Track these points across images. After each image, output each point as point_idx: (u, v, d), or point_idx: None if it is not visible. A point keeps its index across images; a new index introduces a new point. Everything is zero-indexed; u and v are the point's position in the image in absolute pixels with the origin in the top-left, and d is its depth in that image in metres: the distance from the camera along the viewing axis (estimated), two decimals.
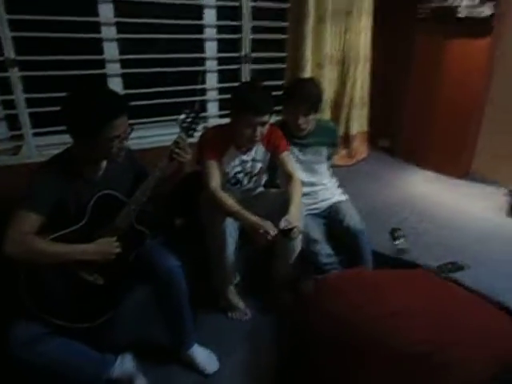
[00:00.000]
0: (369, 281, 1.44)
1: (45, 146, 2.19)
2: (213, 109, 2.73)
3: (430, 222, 2.22)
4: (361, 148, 3.15)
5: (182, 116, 1.54)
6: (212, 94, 2.70)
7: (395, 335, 1.19)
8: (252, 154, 1.82)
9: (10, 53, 1.96)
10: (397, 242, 1.98)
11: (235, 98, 1.71)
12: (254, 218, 1.52)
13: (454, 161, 2.95)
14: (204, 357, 1.57)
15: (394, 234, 2.06)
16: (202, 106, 2.66)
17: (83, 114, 1.27)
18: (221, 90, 2.71)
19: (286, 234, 1.51)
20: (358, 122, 3.09)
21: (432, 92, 3.01)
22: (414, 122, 3.17)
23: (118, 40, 2.26)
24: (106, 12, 2.20)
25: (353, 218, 1.90)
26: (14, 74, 1.99)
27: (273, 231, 1.48)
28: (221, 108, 2.75)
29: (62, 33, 2.06)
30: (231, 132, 1.74)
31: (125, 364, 1.47)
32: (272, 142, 1.81)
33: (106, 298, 1.43)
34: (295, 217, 1.56)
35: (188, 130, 1.54)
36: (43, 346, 1.27)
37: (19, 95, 2.03)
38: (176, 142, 1.49)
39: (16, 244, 1.20)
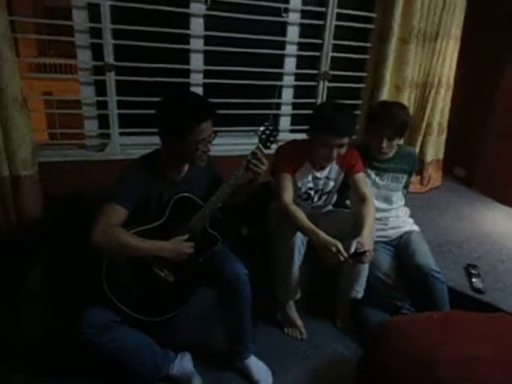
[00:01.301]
0: (441, 322, 1.34)
1: (128, 145, 2.33)
2: (285, 123, 2.75)
3: None
4: (434, 176, 3.00)
5: (262, 128, 1.58)
6: (286, 109, 2.73)
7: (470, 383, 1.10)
8: (326, 171, 1.80)
9: (109, 58, 2.13)
10: (473, 280, 1.83)
11: (317, 116, 1.71)
12: (327, 237, 1.50)
13: None
14: (259, 369, 1.56)
15: (469, 270, 1.90)
16: (276, 119, 2.70)
17: (173, 117, 1.35)
18: (294, 106, 2.73)
19: (358, 256, 1.47)
20: (434, 148, 2.95)
21: None
22: (497, 154, 2.95)
23: (204, 52, 2.38)
24: (197, 25, 2.32)
25: (424, 254, 1.78)
26: (111, 78, 2.16)
27: (345, 252, 1.45)
28: (292, 123, 2.77)
29: (156, 42, 2.21)
30: (308, 148, 1.74)
31: (184, 362, 1.51)
32: (347, 162, 1.78)
33: (174, 296, 1.48)
34: (368, 240, 1.52)
35: (266, 141, 1.57)
36: (113, 333, 1.34)
37: (113, 97, 2.20)
38: (254, 153, 1.53)
39: (104, 234, 1.29)
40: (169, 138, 1.40)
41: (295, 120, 2.75)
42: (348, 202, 2.00)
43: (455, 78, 2.83)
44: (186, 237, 1.45)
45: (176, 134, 1.36)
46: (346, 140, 1.63)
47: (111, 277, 1.36)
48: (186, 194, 1.48)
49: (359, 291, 1.78)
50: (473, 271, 1.89)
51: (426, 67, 2.75)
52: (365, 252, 1.46)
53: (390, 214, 1.95)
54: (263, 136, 1.57)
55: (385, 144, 1.78)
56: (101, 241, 1.29)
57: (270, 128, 1.59)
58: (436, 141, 2.94)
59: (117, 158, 2.27)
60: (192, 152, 1.39)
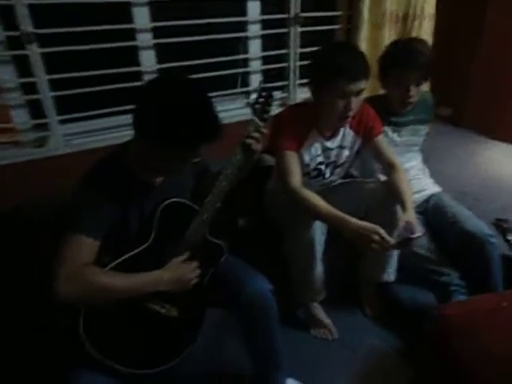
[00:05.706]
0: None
1: (73, 134, 1.89)
2: (256, 81, 2.36)
3: None
4: None
5: (254, 97, 1.23)
6: (255, 65, 2.33)
7: None
8: (338, 139, 1.47)
9: (26, 25, 1.60)
10: (509, 238, 1.63)
11: (320, 64, 1.34)
12: (361, 222, 1.19)
13: None
14: None
15: (501, 225, 1.69)
16: (245, 78, 2.31)
17: (170, 129, 0.95)
18: (264, 60, 2.34)
19: (406, 243, 1.18)
20: None
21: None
22: (486, 89, 2.73)
23: (150, 4, 1.89)
24: None
25: (471, 218, 1.54)
26: (34, 51, 1.65)
27: (390, 238, 1.16)
28: (265, 81, 2.39)
29: None
30: (313, 112, 1.39)
31: None
32: (364, 124, 1.45)
33: (181, 333, 1.14)
34: (414, 219, 1.23)
35: (262, 112, 1.21)
36: None
37: (42, 77, 1.69)
38: (249, 130, 1.17)
39: (71, 282, 0.91)
40: (148, 141, 1.00)
41: (267, 76, 2.37)
42: (354, 171, 1.70)
43: (436, 6, 2.52)
44: (186, 256, 1.10)
45: (162, 145, 0.98)
46: (363, 84, 1.31)
47: (93, 329, 0.98)
48: (174, 200, 1.12)
49: (391, 273, 1.53)
50: (505, 225, 1.69)
51: None
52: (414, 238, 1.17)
53: (410, 175, 1.68)
54: (257, 106, 1.21)
55: (413, 92, 1.50)
56: (70, 291, 0.91)
57: (264, 94, 1.22)
58: None
59: (61, 152, 1.82)
60: (169, 164, 1.05)
